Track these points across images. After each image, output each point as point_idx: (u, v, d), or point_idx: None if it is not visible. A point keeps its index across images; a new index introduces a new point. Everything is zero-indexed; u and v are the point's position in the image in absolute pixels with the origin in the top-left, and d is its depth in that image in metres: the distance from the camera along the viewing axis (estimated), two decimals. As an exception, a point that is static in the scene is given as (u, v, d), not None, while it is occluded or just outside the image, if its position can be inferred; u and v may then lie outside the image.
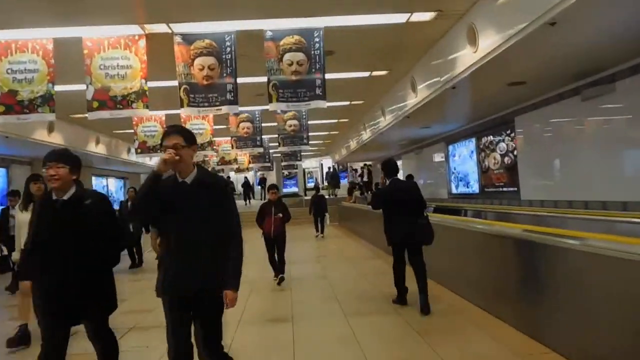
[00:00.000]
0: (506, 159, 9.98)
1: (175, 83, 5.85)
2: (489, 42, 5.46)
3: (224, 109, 5.85)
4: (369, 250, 10.72)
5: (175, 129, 2.60)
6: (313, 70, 5.85)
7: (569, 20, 4.43)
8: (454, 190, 13.26)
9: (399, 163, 19.20)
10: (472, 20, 5.71)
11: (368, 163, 24.44)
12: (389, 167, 5.33)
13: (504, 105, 9.13)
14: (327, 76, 5.92)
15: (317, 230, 14.22)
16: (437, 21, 6.05)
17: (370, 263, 8.74)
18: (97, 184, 19.13)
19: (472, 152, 11.80)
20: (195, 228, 2.47)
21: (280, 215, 7.08)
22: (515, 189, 9.56)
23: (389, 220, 5.18)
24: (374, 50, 7.28)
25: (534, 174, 8.82)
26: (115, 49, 5.76)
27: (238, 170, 21.24)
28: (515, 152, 9.51)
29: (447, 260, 5.84)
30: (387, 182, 5.27)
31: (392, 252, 5.25)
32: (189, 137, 2.59)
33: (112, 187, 20.87)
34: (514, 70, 6.48)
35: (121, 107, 5.72)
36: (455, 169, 13.08)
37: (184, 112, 5.91)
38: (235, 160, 16.60)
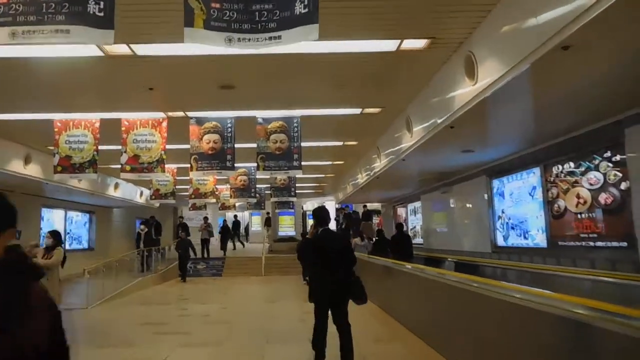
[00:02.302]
0: (603, 196, 6.47)
1: None
2: None
3: (74, 32, 2.53)
4: (379, 322, 7.45)
5: None
6: None
7: None
8: (500, 242, 9.67)
9: (418, 205, 15.97)
10: None
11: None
12: (320, 217, 5.16)
13: (610, 107, 5.73)
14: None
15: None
16: None
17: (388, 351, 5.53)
18: (51, 218, 15.66)
19: (533, 188, 8.32)
20: None
21: None
22: (626, 243, 6.01)
23: (314, 274, 5.08)
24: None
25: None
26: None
27: (223, 208, 17.86)
28: (624, 186, 6.04)
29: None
30: (318, 232, 5.10)
31: (314, 309, 4.95)
32: None
33: (74, 223, 17.29)
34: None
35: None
36: (503, 213, 9.55)
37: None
38: (213, 193, 13.22)
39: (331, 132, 9.35)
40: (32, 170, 9.91)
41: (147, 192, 18.79)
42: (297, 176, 13.04)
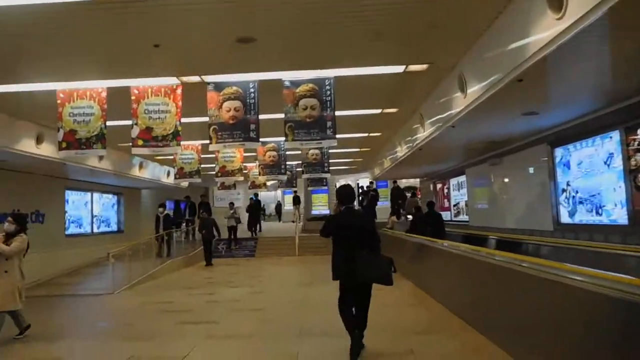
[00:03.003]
0: None
1: None
2: None
3: None
4: (419, 303, 6.45)
5: None
6: None
7: None
8: (565, 219, 8.42)
9: (462, 179, 14.72)
10: None
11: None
12: (344, 195, 5.03)
13: None
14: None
15: None
16: None
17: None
18: (76, 200, 15.26)
19: (609, 155, 7.03)
20: None
21: None
22: None
23: (334, 252, 4.82)
24: None
25: None
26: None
27: (253, 186, 17.14)
28: None
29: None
30: (342, 209, 5.01)
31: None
32: None
33: (97, 206, 16.81)
34: None
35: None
36: (569, 185, 8.27)
37: None
38: (241, 170, 12.42)
39: (368, 98, 8.25)
40: (46, 150, 9.26)
41: (173, 171, 18.27)
42: (330, 151, 12.07)
